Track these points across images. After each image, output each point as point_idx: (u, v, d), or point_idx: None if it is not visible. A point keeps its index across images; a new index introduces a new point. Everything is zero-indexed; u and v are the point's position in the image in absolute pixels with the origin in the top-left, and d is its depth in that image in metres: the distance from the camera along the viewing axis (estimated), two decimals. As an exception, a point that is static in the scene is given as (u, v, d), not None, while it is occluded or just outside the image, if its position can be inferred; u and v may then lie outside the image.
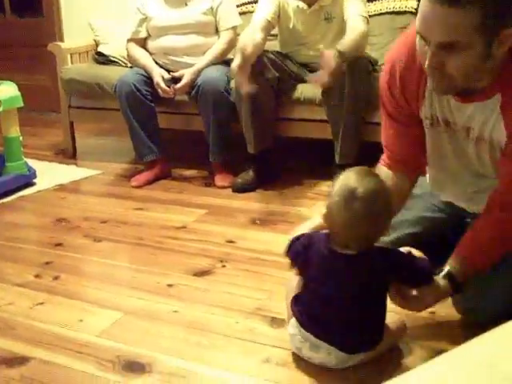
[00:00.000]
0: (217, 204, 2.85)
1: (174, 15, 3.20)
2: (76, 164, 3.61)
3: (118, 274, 2.19)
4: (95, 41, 3.90)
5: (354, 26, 2.83)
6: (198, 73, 3.10)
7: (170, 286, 2.06)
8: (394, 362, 1.58)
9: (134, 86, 3.10)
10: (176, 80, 3.15)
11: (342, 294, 1.51)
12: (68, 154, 3.75)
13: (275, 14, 2.98)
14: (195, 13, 3.18)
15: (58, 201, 2.99)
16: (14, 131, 3.11)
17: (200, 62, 3.14)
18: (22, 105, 3.11)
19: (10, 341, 1.75)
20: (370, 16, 3.03)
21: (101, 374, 1.58)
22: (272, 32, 3.05)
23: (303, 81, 3.04)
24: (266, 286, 2.01)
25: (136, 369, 1.60)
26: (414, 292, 1.60)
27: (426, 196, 1.97)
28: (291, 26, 3.03)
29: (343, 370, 1.54)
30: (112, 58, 3.72)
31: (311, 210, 2.67)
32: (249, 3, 3.75)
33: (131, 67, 3.39)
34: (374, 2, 3.46)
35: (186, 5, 3.20)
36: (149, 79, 3.15)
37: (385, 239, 1.64)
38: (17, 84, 3.16)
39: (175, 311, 1.89)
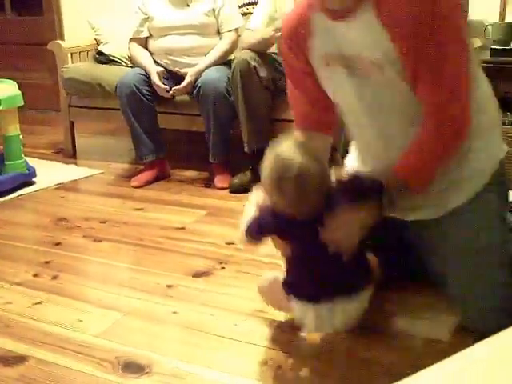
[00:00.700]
0: (217, 205, 2.85)
1: (176, 16, 3.19)
2: (76, 163, 3.60)
3: (117, 275, 2.19)
4: (96, 40, 3.90)
5: None
6: (200, 73, 3.10)
7: (169, 286, 2.06)
8: (402, 363, 1.58)
9: (135, 86, 3.10)
10: (178, 80, 3.15)
11: (321, 250, 1.55)
12: (68, 153, 3.75)
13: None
14: (197, 14, 3.18)
15: (58, 200, 2.99)
16: (14, 130, 3.11)
17: (202, 62, 3.14)
18: (22, 103, 3.11)
19: (7, 340, 1.75)
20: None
21: (100, 375, 1.58)
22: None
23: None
24: (265, 288, 2.01)
25: (135, 370, 1.60)
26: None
27: None
28: None
29: (347, 373, 1.54)
30: (112, 58, 3.72)
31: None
32: (249, 4, 3.75)
33: (131, 67, 3.40)
34: None
35: (188, 6, 3.20)
36: (149, 79, 3.14)
37: None
38: (17, 83, 3.16)
39: (174, 312, 1.89)
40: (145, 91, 3.12)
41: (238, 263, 2.22)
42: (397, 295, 1.88)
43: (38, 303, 1.97)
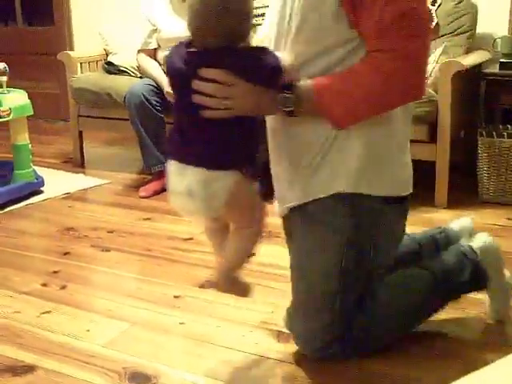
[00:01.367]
0: (224, 216, 2.85)
1: (182, 26, 3.20)
2: (84, 173, 3.62)
3: (124, 285, 2.20)
4: (105, 50, 3.93)
5: None
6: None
7: (176, 297, 2.06)
8: (413, 376, 1.58)
9: (144, 96, 3.12)
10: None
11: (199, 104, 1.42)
12: (76, 162, 3.77)
13: None
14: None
15: (66, 209, 3.01)
16: (23, 139, 3.12)
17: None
18: (31, 113, 3.13)
19: (16, 349, 1.76)
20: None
21: (107, 385, 1.59)
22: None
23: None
24: (271, 300, 2.01)
25: (141, 380, 1.60)
26: None
27: None
28: None
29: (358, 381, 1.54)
30: (122, 68, 3.74)
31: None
32: (258, 16, 3.76)
33: (141, 77, 3.41)
34: None
35: (196, 17, 3.22)
36: (158, 90, 3.16)
37: None
38: (27, 92, 3.18)
39: (181, 323, 1.90)
40: (154, 101, 3.14)
41: (245, 274, 2.22)
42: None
43: (46, 312, 1.98)
